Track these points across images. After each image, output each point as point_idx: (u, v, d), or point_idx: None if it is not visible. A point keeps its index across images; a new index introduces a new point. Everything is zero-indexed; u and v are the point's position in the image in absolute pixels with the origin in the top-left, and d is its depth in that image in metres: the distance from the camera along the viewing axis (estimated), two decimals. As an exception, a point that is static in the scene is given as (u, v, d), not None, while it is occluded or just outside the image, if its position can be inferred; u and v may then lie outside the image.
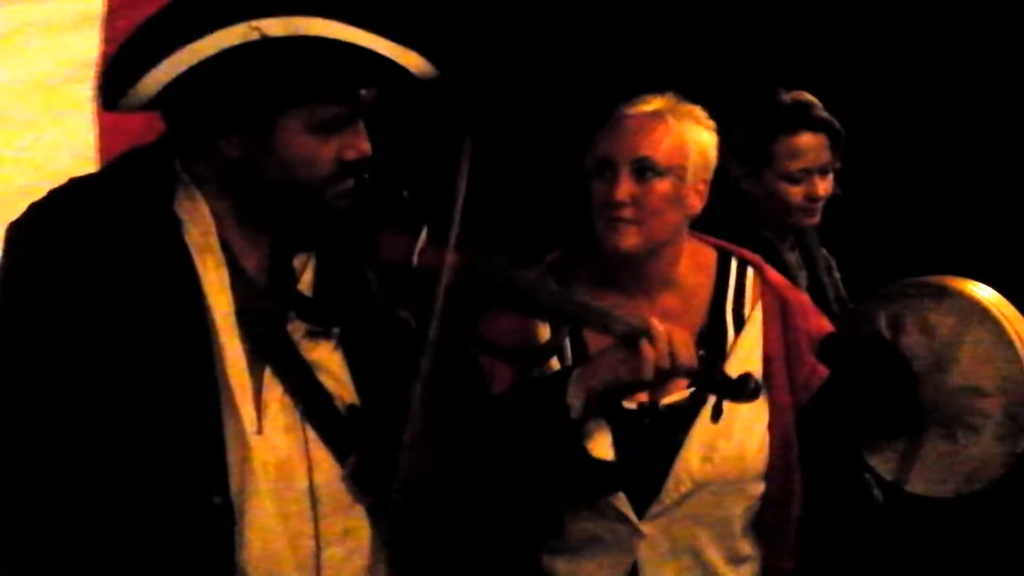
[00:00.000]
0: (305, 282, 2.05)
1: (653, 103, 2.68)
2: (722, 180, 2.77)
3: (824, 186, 3.42)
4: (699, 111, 2.71)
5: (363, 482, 2.00)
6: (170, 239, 1.95)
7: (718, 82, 3.34)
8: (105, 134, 2.95)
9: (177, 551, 1.89)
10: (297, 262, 2.05)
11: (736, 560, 2.72)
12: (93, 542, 1.89)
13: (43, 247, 1.93)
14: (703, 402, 2.62)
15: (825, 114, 3.43)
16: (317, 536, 1.98)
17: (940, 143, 4.29)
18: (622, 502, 2.61)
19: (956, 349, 2.84)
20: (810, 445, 2.73)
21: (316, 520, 1.98)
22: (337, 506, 2.00)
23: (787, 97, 3.44)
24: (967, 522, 3.39)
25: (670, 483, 2.63)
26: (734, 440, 2.66)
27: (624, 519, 2.62)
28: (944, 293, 2.91)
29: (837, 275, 3.62)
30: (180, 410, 1.90)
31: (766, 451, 2.69)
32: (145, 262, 1.92)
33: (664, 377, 2.31)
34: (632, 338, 2.28)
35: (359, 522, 2.02)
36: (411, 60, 1.99)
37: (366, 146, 2.00)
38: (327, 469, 2.00)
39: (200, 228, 1.98)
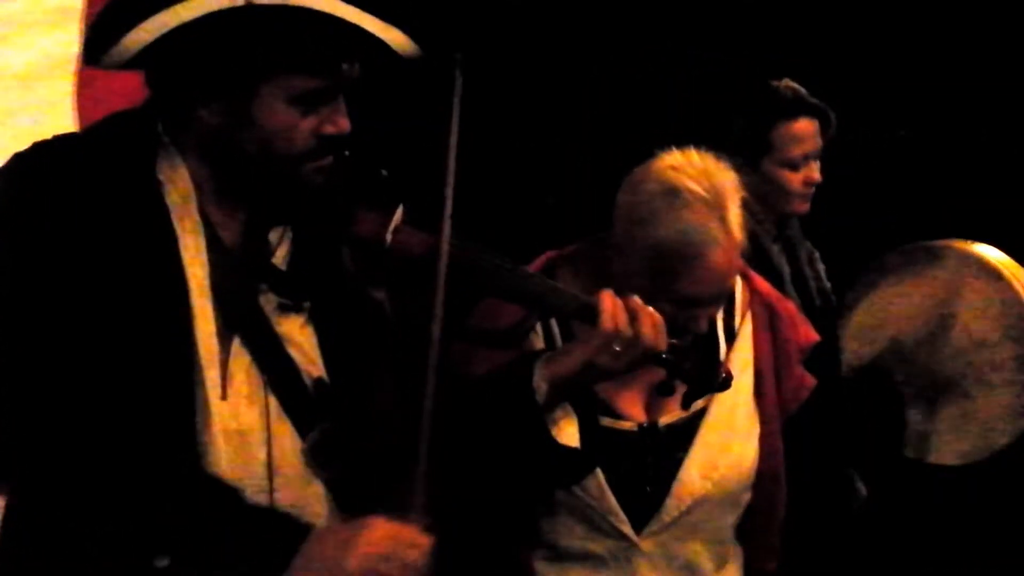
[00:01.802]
0: (280, 256, 2.04)
1: (700, 195, 2.43)
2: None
3: (818, 171, 3.48)
4: (726, 169, 2.51)
5: (323, 457, 1.99)
6: (150, 199, 1.95)
7: (708, 74, 3.35)
8: (85, 128, 2.94)
9: (141, 505, 1.90)
10: (273, 235, 2.04)
11: (723, 565, 2.72)
12: (58, 490, 1.89)
13: (22, 197, 1.92)
14: (702, 420, 2.60)
15: (816, 100, 3.49)
16: (272, 507, 1.97)
17: (924, 133, 4.31)
18: (621, 521, 2.59)
19: (955, 307, 2.82)
20: (797, 453, 2.71)
21: (271, 492, 1.98)
22: (294, 479, 2.00)
23: (778, 85, 3.48)
24: (947, 524, 3.40)
25: (671, 501, 2.60)
26: (733, 455, 2.63)
27: (622, 536, 2.60)
28: (934, 254, 2.90)
29: (821, 266, 3.64)
30: (150, 368, 1.89)
31: (757, 462, 2.67)
32: (124, 219, 1.92)
33: (631, 360, 2.20)
34: (589, 311, 2.20)
35: (316, 496, 2.01)
36: (395, 37, 1.98)
37: (346, 123, 1.98)
38: (287, 441, 1.99)
39: (180, 192, 1.98)
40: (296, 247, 2.05)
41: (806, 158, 3.46)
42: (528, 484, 2.44)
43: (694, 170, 2.47)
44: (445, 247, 1.99)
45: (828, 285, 3.61)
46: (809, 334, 2.78)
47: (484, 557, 2.51)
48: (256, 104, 1.93)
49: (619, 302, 2.19)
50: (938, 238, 3.31)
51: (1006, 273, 2.81)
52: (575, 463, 2.30)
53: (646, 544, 2.60)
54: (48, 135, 2.04)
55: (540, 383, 2.19)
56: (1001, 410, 2.79)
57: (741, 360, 2.66)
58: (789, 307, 2.81)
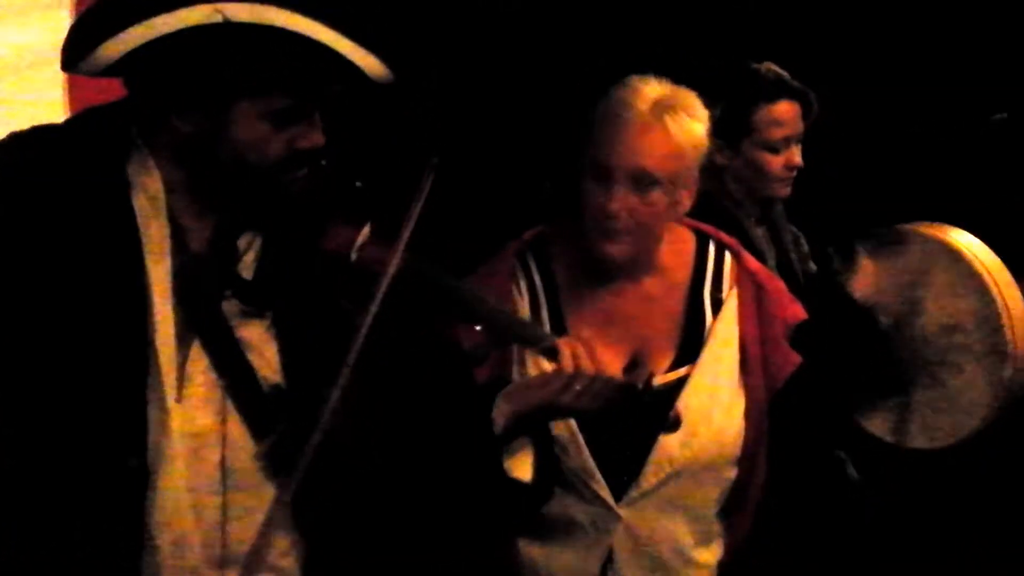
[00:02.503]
0: (247, 262, 2.05)
1: (645, 96, 2.59)
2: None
3: (799, 155, 3.46)
4: (693, 100, 2.64)
5: (276, 462, 2.01)
6: (117, 199, 1.97)
7: (690, 56, 3.35)
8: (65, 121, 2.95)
9: (91, 506, 1.92)
10: (243, 241, 2.06)
11: (706, 542, 2.74)
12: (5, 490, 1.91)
13: None
14: (683, 386, 2.65)
15: (798, 83, 3.47)
16: (224, 510, 2.01)
17: (907, 115, 4.31)
18: (600, 486, 2.62)
19: (925, 289, 2.86)
20: (783, 431, 2.73)
21: (224, 494, 2.00)
22: (247, 483, 2.02)
23: (759, 67, 3.47)
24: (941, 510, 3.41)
25: (649, 468, 2.63)
26: (714, 425, 2.66)
27: (602, 503, 2.62)
28: (908, 236, 2.93)
29: (805, 249, 3.63)
30: (106, 368, 1.91)
31: (742, 436, 2.70)
32: (89, 219, 1.94)
33: (591, 400, 2.29)
34: (551, 351, 2.28)
35: (269, 501, 2.03)
36: (370, 63, 1.99)
37: (320, 138, 2.00)
38: (241, 446, 2.01)
39: (148, 193, 1.99)
40: (264, 255, 2.06)
41: (787, 141, 3.44)
42: (480, 510, 2.43)
43: (647, 82, 2.62)
44: (386, 281, 2.00)
45: (814, 267, 3.60)
46: (797, 312, 2.80)
47: (467, 533, 2.51)
48: (230, 119, 1.95)
49: (579, 344, 2.28)
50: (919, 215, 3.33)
51: (969, 255, 2.84)
52: (527, 496, 2.34)
53: (625, 512, 2.63)
54: (40, 121, 2.07)
55: (499, 416, 2.26)
56: (972, 394, 2.82)
57: (726, 331, 2.70)
58: (778, 284, 2.84)
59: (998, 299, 2.83)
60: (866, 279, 2.94)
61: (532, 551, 2.67)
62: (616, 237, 2.59)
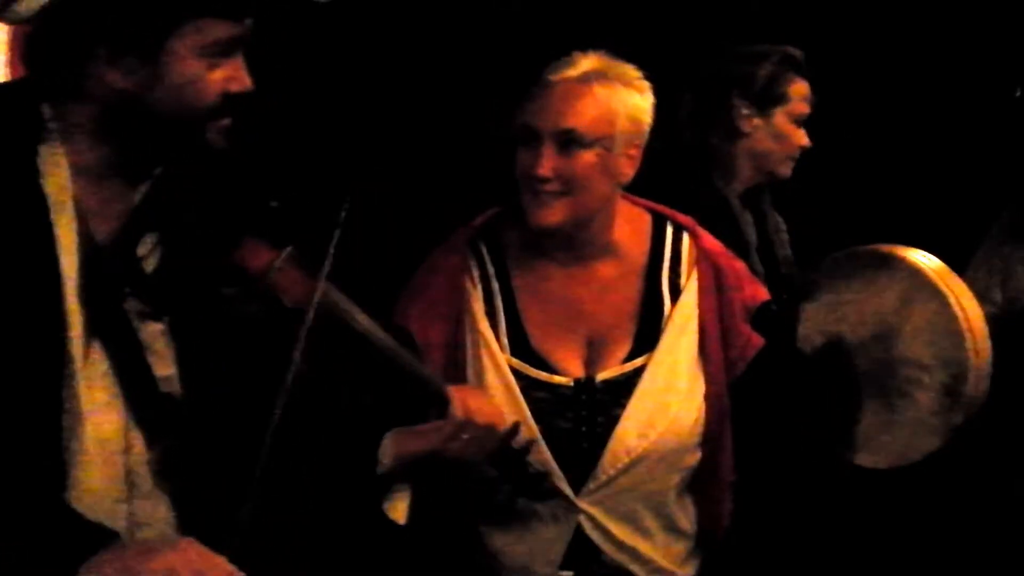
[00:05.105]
0: (148, 265, 1.97)
1: (580, 66, 2.59)
2: (675, 132, 2.71)
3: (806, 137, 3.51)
4: (631, 71, 2.62)
5: (166, 472, 1.95)
6: (29, 188, 1.88)
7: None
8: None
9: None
10: (145, 243, 1.97)
11: (672, 528, 2.70)
12: None
13: None
14: (640, 376, 2.62)
15: None
16: (131, 517, 1.94)
17: (893, 111, 4.32)
18: (559, 479, 2.58)
19: (901, 321, 2.87)
20: (745, 414, 2.69)
21: (130, 502, 1.94)
22: (148, 492, 1.95)
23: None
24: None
25: (606, 459, 2.60)
26: (671, 413, 2.62)
27: (561, 496, 2.59)
28: (891, 263, 2.92)
29: (786, 237, 3.60)
30: (21, 368, 1.83)
31: (702, 422, 2.65)
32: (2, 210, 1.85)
33: (476, 452, 2.35)
34: (441, 398, 2.32)
35: (166, 512, 1.97)
36: None
37: (249, 80, 1.95)
38: (141, 453, 1.95)
39: (58, 182, 1.90)
40: (166, 258, 1.98)
41: (805, 117, 3.48)
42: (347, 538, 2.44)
43: (587, 55, 2.62)
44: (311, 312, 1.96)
45: (791, 253, 3.58)
46: (756, 292, 2.77)
47: (432, 519, 2.51)
48: (166, 58, 1.87)
49: (471, 394, 2.35)
50: (900, 210, 3.31)
51: (952, 300, 2.85)
52: (392, 535, 2.35)
53: (585, 504, 2.60)
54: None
55: (384, 457, 2.28)
56: (921, 428, 2.84)
57: (684, 317, 2.66)
58: (736, 265, 2.80)
59: (971, 349, 2.83)
60: (829, 306, 2.95)
61: (494, 543, 2.65)
62: (547, 201, 2.55)
